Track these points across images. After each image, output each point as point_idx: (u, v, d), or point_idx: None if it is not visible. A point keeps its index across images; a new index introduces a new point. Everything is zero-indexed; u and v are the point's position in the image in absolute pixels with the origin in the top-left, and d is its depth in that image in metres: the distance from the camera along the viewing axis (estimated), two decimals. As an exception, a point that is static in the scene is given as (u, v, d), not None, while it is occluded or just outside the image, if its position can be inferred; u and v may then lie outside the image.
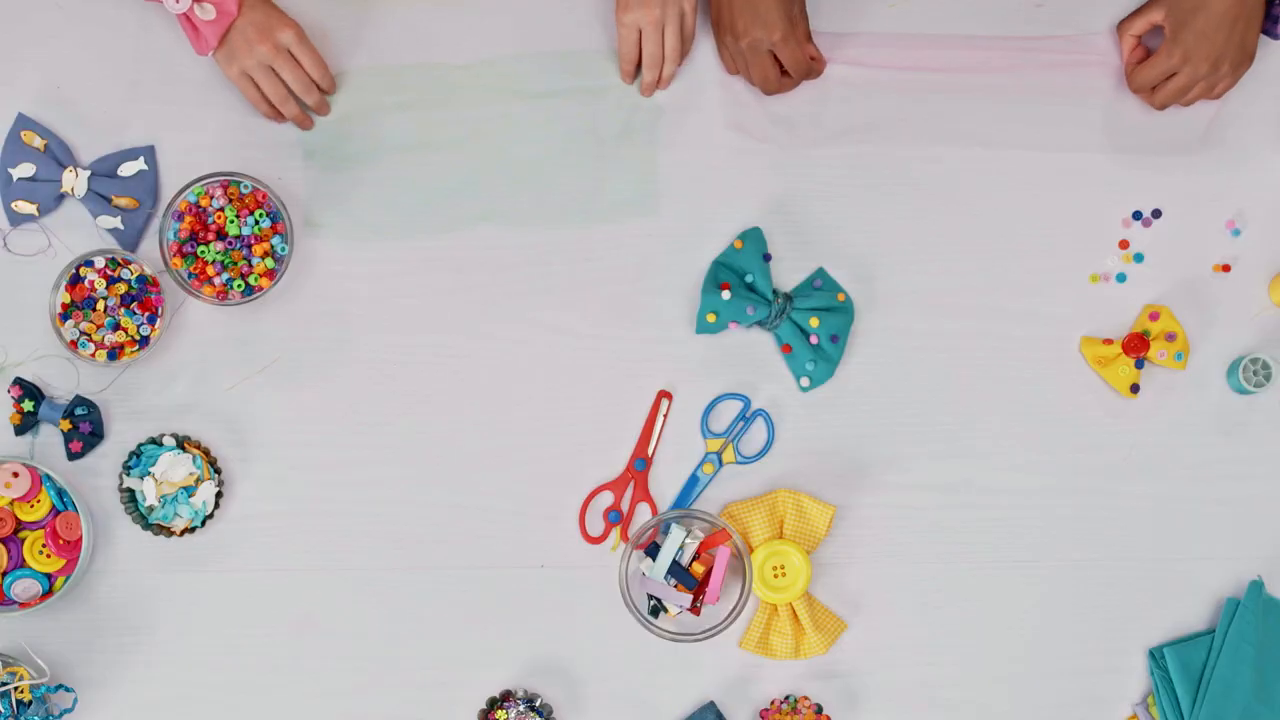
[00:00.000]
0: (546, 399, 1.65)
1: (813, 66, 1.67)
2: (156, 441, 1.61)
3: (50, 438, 1.63)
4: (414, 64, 1.67)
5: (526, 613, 1.64)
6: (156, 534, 1.61)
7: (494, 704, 1.61)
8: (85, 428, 1.61)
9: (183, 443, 1.61)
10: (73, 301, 1.60)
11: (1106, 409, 1.68)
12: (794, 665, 1.65)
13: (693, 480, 1.66)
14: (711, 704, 1.63)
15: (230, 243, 1.62)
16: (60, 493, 1.59)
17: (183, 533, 1.62)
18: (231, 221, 1.61)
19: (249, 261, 1.62)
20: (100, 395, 1.63)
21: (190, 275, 1.61)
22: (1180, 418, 1.69)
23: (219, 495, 1.62)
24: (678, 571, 1.61)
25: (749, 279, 1.64)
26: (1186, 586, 1.67)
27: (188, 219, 1.61)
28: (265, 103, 1.63)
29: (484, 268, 1.66)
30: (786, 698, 1.64)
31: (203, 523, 1.62)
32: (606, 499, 1.65)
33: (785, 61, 1.64)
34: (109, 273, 1.61)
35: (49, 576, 1.59)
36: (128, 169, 1.64)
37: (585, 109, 1.67)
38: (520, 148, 1.67)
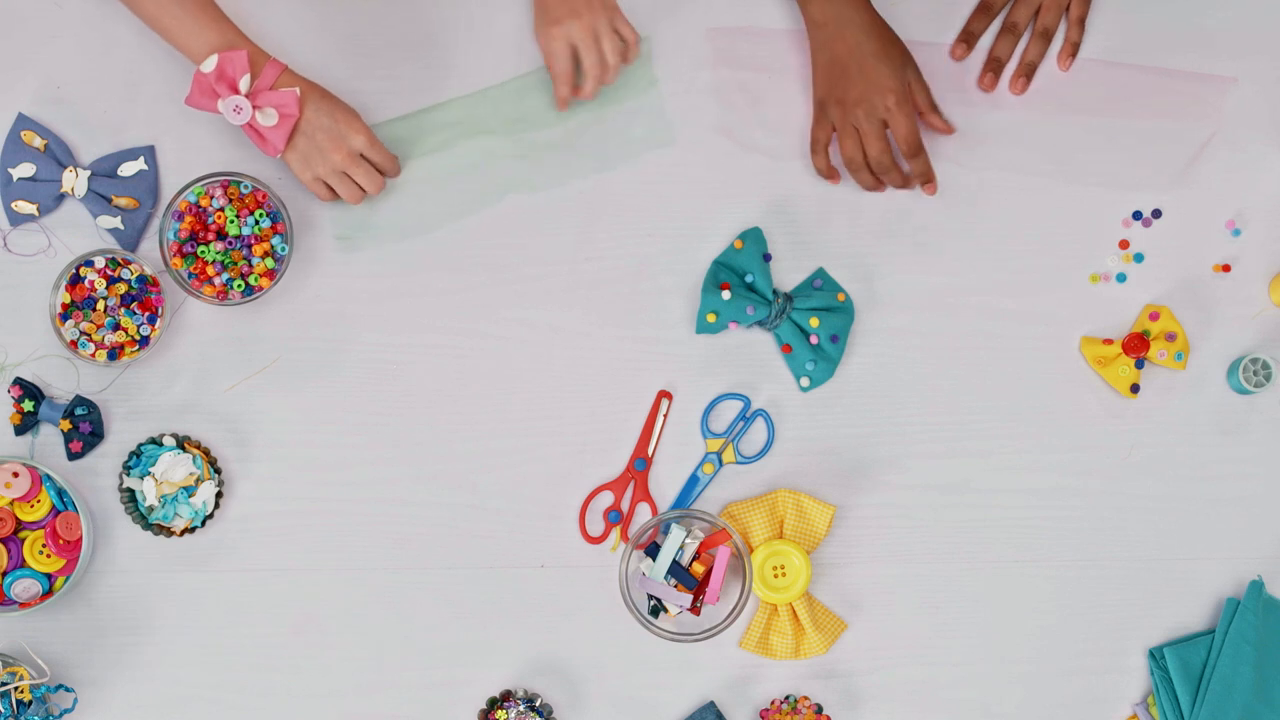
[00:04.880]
0: (547, 399, 1.65)
1: (923, 159, 1.62)
2: (156, 441, 1.61)
3: (50, 438, 1.63)
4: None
5: (526, 613, 1.64)
6: (156, 534, 1.61)
7: (494, 704, 1.61)
8: (85, 428, 1.61)
9: (183, 443, 1.61)
10: (73, 301, 1.60)
11: (1106, 409, 1.68)
12: (794, 665, 1.65)
13: (693, 480, 1.66)
14: (711, 704, 1.63)
15: (230, 243, 1.62)
16: (60, 493, 1.59)
17: (183, 533, 1.62)
18: (231, 221, 1.61)
19: (249, 261, 1.62)
20: (100, 395, 1.63)
21: (190, 275, 1.61)
22: (1180, 418, 1.69)
23: (219, 495, 1.62)
24: (678, 571, 1.61)
25: (749, 279, 1.64)
26: (1186, 586, 1.68)
27: (188, 219, 1.61)
28: (332, 194, 1.62)
29: (484, 267, 1.66)
30: (786, 698, 1.64)
31: (203, 523, 1.62)
32: (606, 499, 1.66)
33: (898, 133, 1.60)
34: (109, 273, 1.61)
35: (49, 576, 1.59)
36: (128, 169, 1.64)
37: (592, 113, 1.68)
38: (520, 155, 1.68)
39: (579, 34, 1.59)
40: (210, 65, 1.54)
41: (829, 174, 1.66)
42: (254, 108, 1.55)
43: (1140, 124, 1.71)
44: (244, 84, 1.55)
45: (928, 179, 1.65)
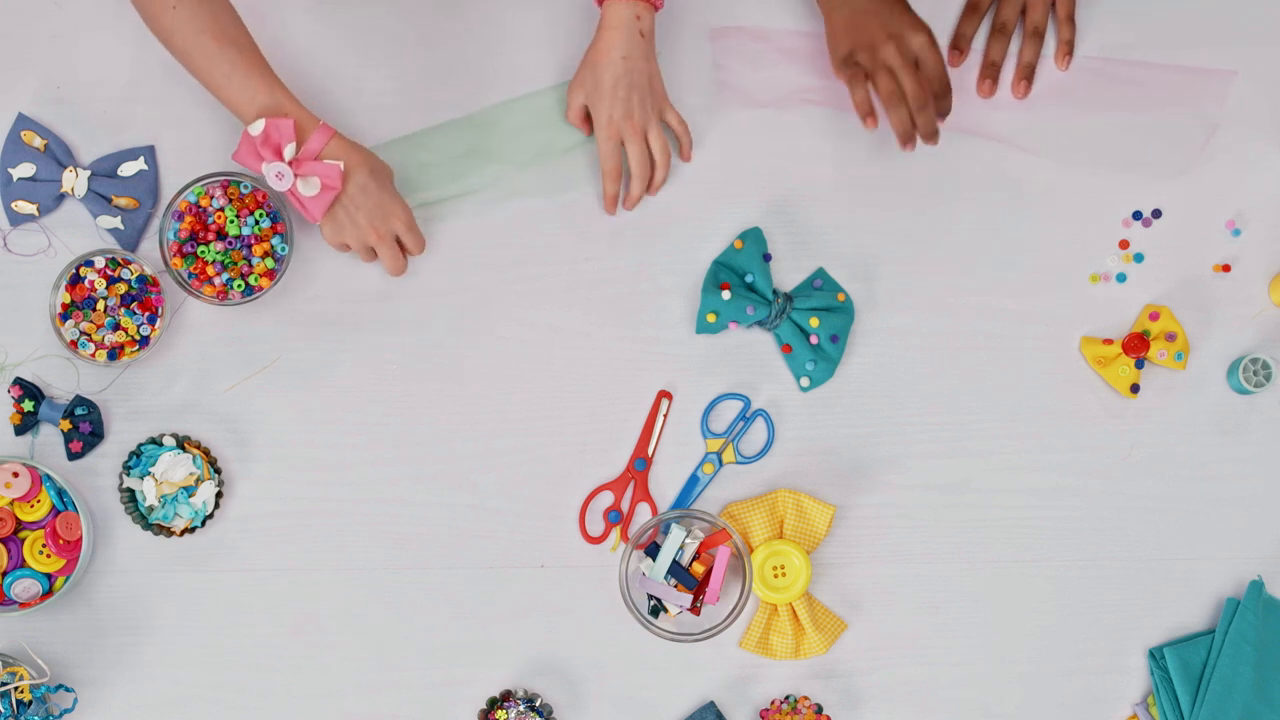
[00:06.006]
0: (547, 399, 1.65)
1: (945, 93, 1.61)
2: (156, 441, 1.61)
3: (50, 438, 1.63)
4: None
5: (526, 613, 1.64)
6: (156, 534, 1.61)
7: (494, 704, 1.61)
8: (85, 428, 1.61)
9: (183, 443, 1.61)
10: (73, 301, 1.60)
11: (1106, 409, 1.68)
12: (794, 665, 1.65)
13: (693, 480, 1.66)
14: (711, 704, 1.63)
15: (230, 243, 1.62)
16: (60, 493, 1.59)
17: (183, 533, 1.62)
18: (231, 221, 1.61)
19: (249, 261, 1.62)
20: (100, 395, 1.63)
21: (190, 275, 1.61)
22: (1180, 418, 1.69)
23: (219, 495, 1.62)
24: (678, 571, 1.61)
25: (749, 279, 1.64)
26: (1186, 586, 1.68)
27: (188, 219, 1.61)
28: (371, 256, 1.62)
29: (484, 268, 1.66)
30: (786, 698, 1.64)
31: (203, 523, 1.62)
32: (606, 499, 1.65)
33: (930, 69, 1.59)
34: (109, 273, 1.61)
35: (49, 576, 1.59)
36: (128, 169, 1.64)
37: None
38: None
39: (630, 134, 1.61)
40: (258, 129, 1.53)
41: (868, 110, 1.61)
42: (296, 176, 1.55)
43: (1141, 122, 1.71)
44: (289, 151, 1.54)
45: (948, 111, 1.62)
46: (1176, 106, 1.71)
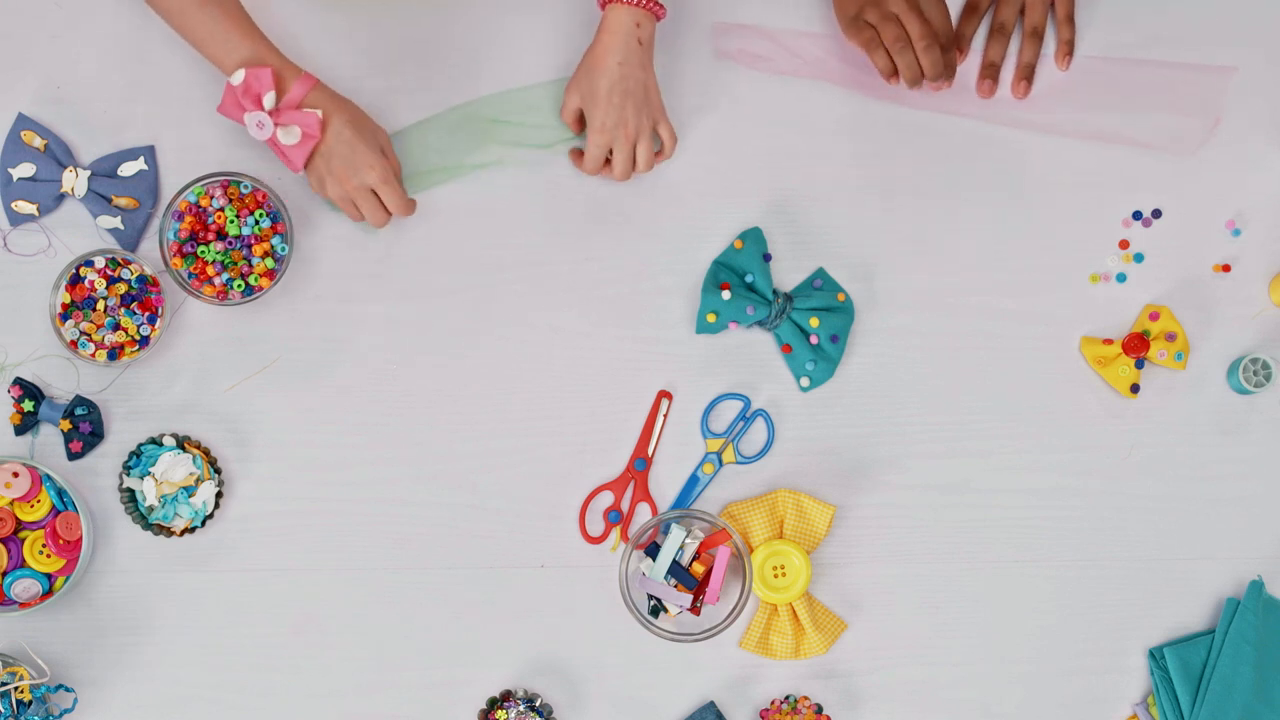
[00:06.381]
0: (547, 399, 1.65)
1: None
2: (156, 441, 1.61)
3: (50, 438, 1.63)
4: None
5: (526, 613, 1.64)
6: (156, 534, 1.61)
7: (494, 704, 1.61)
8: (85, 428, 1.61)
9: (183, 443, 1.61)
10: (73, 301, 1.60)
11: (1106, 409, 1.68)
12: (794, 665, 1.65)
13: (693, 480, 1.66)
14: (711, 704, 1.63)
15: (230, 243, 1.62)
16: (60, 493, 1.59)
17: (183, 533, 1.62)
18: (231, 221, 1.61)
19: (249, 261, 1.62)
20: (100, 395, 1.63)
21: (190, 275, 1.61)
22: (1180, 418, 1.69)
23: (219, 495, 1.62)
24: (678, 571, 1.61)
25: (749, 279, 1.64)
26: (1186, 586, 1.68)
27: (188, 219, 1.61)
28: (359, 214, 1.63)
29: (484, 267, 1.66)
30: (786, 698, 1.64)
31: (203, 523, 1.62)
32: (606, 499, 1.65)
33: (934, 14, 1.61)
34: (109, 273, 1.61)
35: (49, 576, 1.59)
36: (128, 169, 1.64)
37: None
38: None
39: (620, 141, 1.61)
40: (238, 79, 1.54)
41: (891, 71, 1.63)
42: (276, 124, 1.56)
43: (1142, 121, 1.71)
44: (268, 100, 1.55)
45: (952, 69, 1.63)
46: (1176, 103, 1.71)
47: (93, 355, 1.60)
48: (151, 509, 1.61)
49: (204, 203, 1.61)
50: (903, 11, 1.60)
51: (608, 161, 1.64)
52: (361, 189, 1.59)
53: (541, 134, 1.67)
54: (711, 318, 1.63)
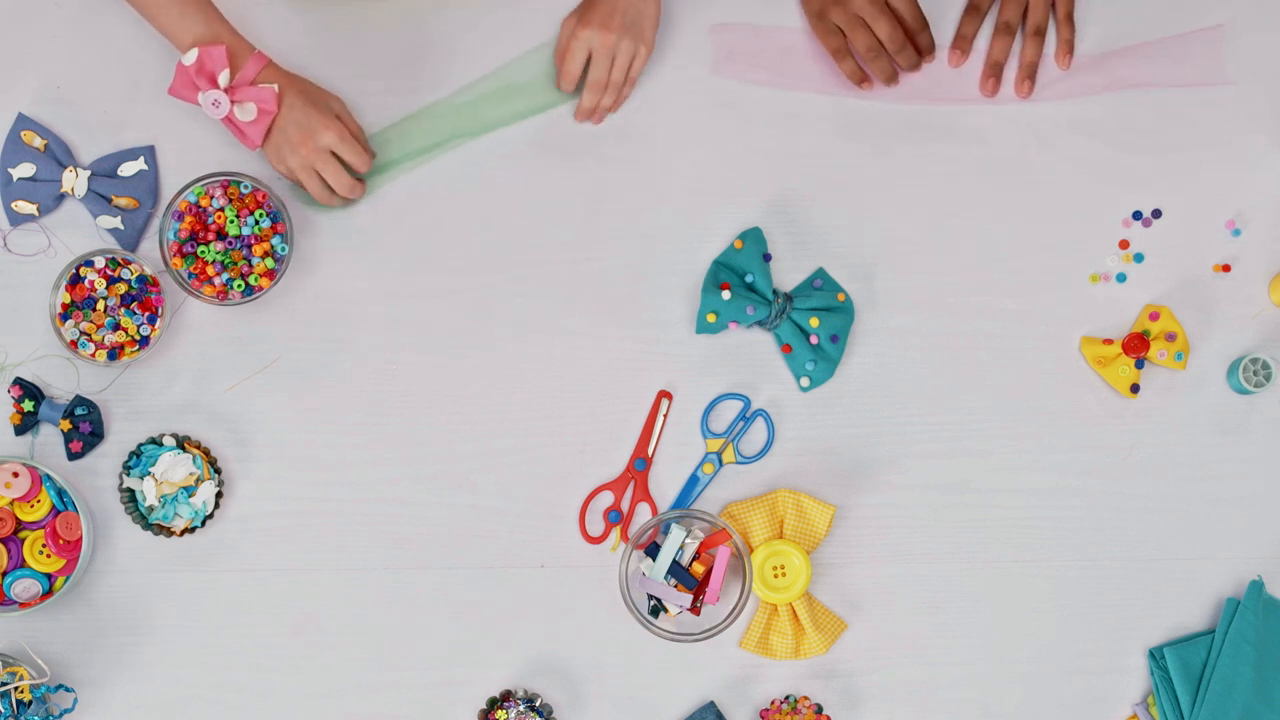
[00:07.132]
0: (546, 399, 1.65)
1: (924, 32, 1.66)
2: (156, 441, 1.61)
3: (50, 438, 1.63)
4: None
5: (526, 613, 1.64)
6: (156, 534, 1.61)
7: (494, 704, 1.61)
8: (85, 428, 1.61)
9: (183, 443, 1.61)
10: (73, 301, 1.60)
11: (1106, 409, 1.68)
12: (794, 665, 1.65)
13: (693, 480, 1.66)
14: (711, 704, 1.63)
15: (230, 243, 1.62)
16: (60, 493, 1.59)
17: (183, 533, 1.62)
18: (231, 221, 1.61)
19: (249, 261, 1.62)
20: (100, 395, 1.63)
21: (190, 275, 1.61)
22: (1180, 418, 1.69)
23: (219, 495, 1.62)
24: (678, 571, 1.61)
25: (749, 279, 1.64)
26: (1186, 586, 1.67)
27: (188, 219, 1.61)
28: (322, 188, 1.63)
29: (484, 268, 1.66)
30: (786, 698, 1.64)
31: (203, 523, 1.62)
32: (606, 499, 1.65)
33: (901, 8, 1.64)
34: (109, 273, 1.61)
35: (49, 576, 1.59)
36: (128, 169, 1.64)
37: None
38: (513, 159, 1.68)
39: (599, 45, 1.61)
40: (191, 58, 1.55)
41: (861, 78, 1.68)
42: (232, 102, 1.56)
43: (1142, 120, 1.71)
44: (223, 78, 1.56)
45: (932, 49, 1.68)
46: (1174, 75, 1.70)
47: (93, 355, 1.60)
48: (151, 509, 1.61)
49: (204, 203, 1.61)
50: (871, 15, 1.63)
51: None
52: (320, 152, 1.59)
53: (533, 98, 1.67)
54: (711, 318, 1.63)
